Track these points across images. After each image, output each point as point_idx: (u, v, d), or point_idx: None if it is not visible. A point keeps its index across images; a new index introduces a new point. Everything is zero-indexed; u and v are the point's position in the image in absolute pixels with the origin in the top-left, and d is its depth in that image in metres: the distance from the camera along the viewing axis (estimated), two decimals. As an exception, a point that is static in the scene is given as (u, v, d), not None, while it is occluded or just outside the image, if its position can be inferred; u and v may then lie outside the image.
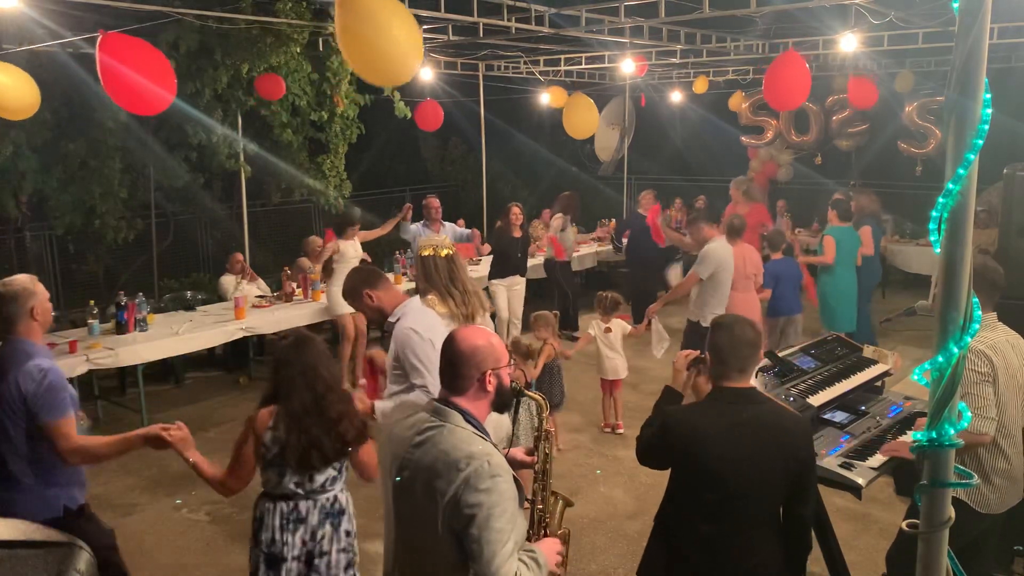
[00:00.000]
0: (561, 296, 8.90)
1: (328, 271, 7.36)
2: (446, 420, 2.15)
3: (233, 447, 2.91)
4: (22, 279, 3.06)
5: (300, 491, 2.86)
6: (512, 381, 2.31)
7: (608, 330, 6.06)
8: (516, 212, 8.00)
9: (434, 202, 7.77)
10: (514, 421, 2.71)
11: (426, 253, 3.93)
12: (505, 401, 2.28)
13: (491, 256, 8.20)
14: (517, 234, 7.92)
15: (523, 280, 8.08)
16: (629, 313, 8.33)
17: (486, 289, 7.39)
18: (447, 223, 7.88)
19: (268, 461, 2.84)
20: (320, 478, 2.88)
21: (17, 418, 2.90)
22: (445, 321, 3.76)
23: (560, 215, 8.97)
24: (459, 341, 2.21)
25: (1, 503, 2.97)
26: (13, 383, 2.89)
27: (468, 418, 2.17)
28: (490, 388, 2.20)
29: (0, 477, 2.95)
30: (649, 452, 2.70)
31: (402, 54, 3.99)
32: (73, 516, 3.05)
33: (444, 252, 3.98)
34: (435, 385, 2.61)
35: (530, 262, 8.61)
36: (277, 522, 2.86)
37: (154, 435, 2.87)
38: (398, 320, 3.46)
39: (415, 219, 7.73)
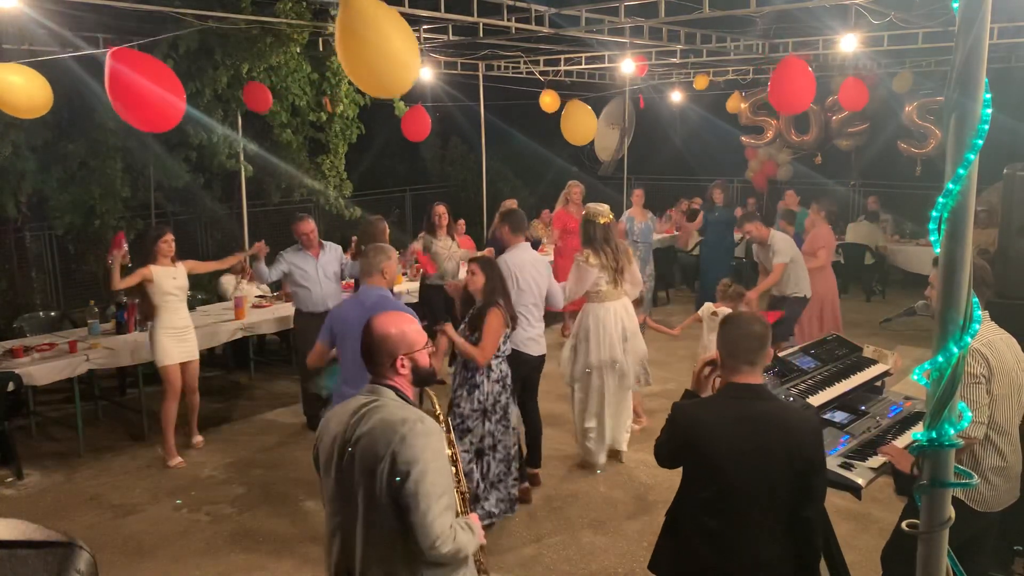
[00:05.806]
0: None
1: (147, 308, 5.62)
2: (380, 396, 2.34)
3: (486, 336, 4.23)
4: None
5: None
6: None
7: (715, 314, 6.35)
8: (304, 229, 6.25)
9: (306, 226, 6.11)
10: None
11: (588, 219, 5.12)
12: (424, 380, 2.47)
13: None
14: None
15: None
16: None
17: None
18: (330, 244, 6.36)
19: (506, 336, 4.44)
20: None
21: None
22: (595, 271, 5.03)
23: (422, 234, 7.37)
24: (373, 329, 2.39)
25: None
26: None
27: (399, 393, 2.36)
28: (403, 371, 2.39)
29: None
30: (660, 448, 2.75)
31: (401, 66, 4.00)
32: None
33: (602, 220, 5.08)
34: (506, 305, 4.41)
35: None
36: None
37: None
38: (504, 254, 4.92)
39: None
